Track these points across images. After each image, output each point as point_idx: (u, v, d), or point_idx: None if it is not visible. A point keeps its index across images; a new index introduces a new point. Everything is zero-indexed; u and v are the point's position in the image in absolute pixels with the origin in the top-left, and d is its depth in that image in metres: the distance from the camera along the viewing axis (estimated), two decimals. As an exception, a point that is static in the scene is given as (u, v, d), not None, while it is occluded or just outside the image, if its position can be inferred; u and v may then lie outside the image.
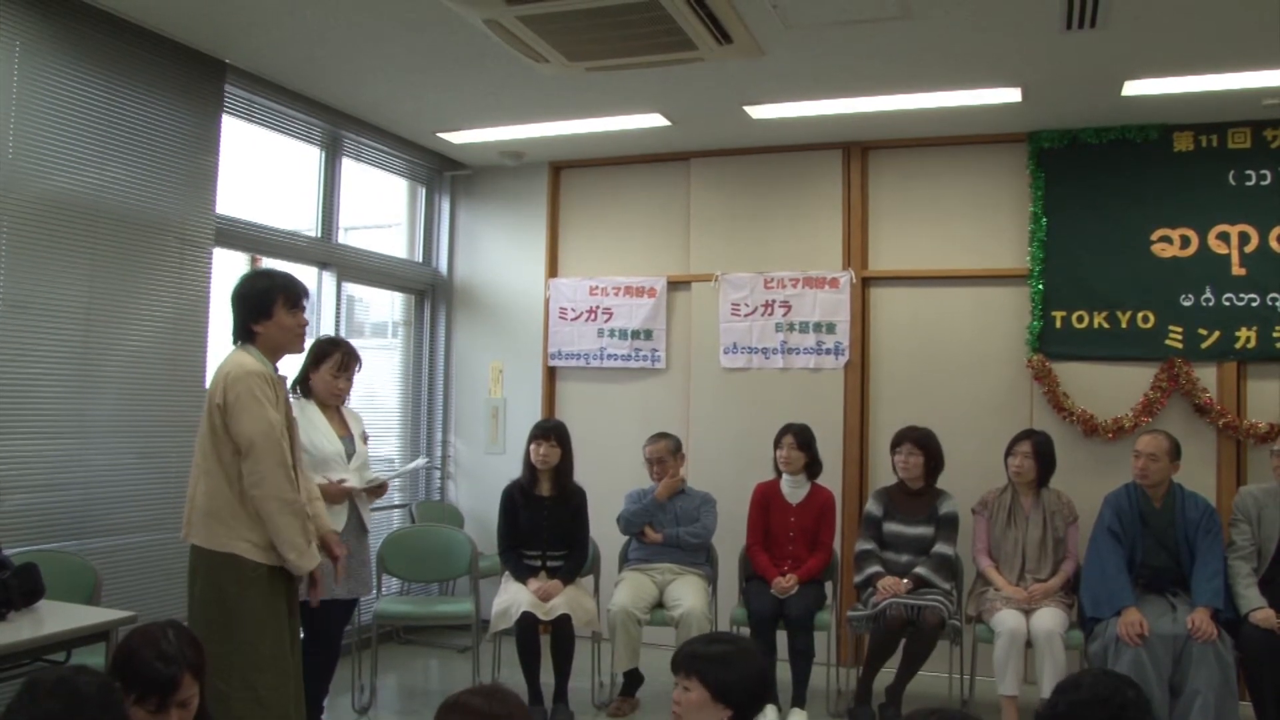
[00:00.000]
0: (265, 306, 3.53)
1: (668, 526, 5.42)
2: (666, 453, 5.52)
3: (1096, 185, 5.78)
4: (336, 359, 4.49)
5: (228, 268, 5.28)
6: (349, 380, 4.60)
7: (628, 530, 5.50)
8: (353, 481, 4.47)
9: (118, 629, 3.42)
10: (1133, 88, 5.08)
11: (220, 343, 4.87)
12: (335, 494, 4.35)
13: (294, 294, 3.60)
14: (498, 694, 2.12)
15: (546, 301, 6.88)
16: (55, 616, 3.41)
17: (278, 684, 3.43)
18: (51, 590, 3.55)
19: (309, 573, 3.56)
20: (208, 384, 3.60)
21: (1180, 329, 5.60)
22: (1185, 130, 5.64)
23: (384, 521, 6.58)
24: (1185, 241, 5.62)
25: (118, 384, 4.57)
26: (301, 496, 3.54)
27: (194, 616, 3.42)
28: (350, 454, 4.52)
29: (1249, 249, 5.51)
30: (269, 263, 5.68)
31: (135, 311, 4.65)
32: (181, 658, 2.44)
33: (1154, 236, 5.67)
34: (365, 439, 4.74)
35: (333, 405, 4.56)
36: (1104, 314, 5.74)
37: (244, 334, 3.56)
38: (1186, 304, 5.59)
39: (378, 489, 4.70)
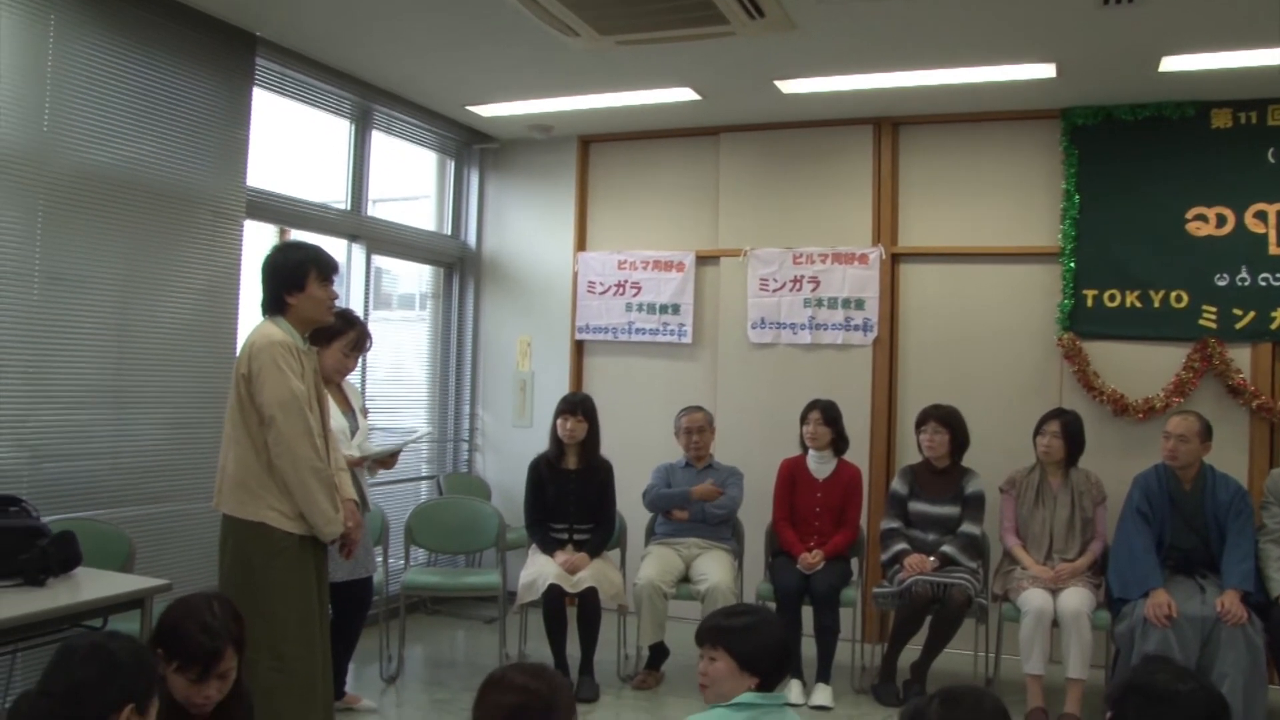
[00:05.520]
0: (298, 279, 3.55)
1: (694, 503, 5.42)
2: (705, 423, 5.53)
3: (1131, 162, 5.71)
4: (351, 337, 4.43)
5: (257, 240, 5.30)
6: (358, 359, 4.59)
7: (653, 508, 5.52)
8: (356, 456, 4.46)
9: (153, 596, 3.47)
10: (1170, 63, 5.01)
11: (251, 314, 4.92)
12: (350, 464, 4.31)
13: (326, 267, 3.62)
14: (541, 672, 2.15)
15: (574, 275, 6.88)
16: (92, 583, 3.46)
17: (304, 654, 3.47)
18: (87, 558, 3.60)
19: (342, 536, 3.60)
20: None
21: (1214, 309, 5.53)
22: (1223, 107, 5.55)
23: (411, 493, 6.64)
24: (1221, 220, 5.55)
25: (151, 355, 4.61)
26: (330, 465, 3.57)
27: (223, 585, 3.46)
28: (354, 430, 4.53)
29: (1287, 228, 5.44)
30: (298, 235, 5.71)
31: (168, 283, 4.69)
32: (225, 631, 2.49)
33: (1189, 215, 5.60)
34: (365, 413, 4.76)
35: (335, 381, 4.48)
36: (1136, 293, 5.68)
37: (275, 305, 3.57)
38: (1221, 283, 5.52)
39: (390, 458, 4.71)
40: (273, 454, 3.41)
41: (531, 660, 4.23)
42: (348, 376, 4.66)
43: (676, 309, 6.62)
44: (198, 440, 4.73)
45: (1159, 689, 2.06)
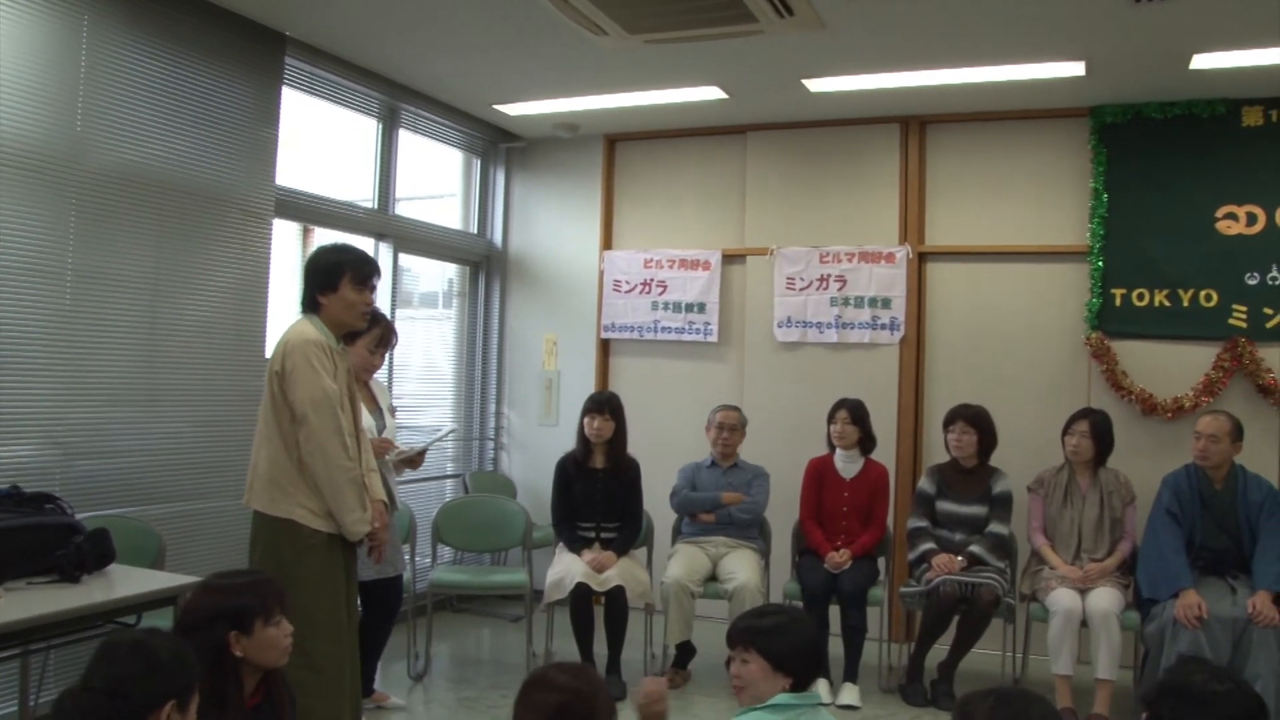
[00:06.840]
0: (332, 280, 3.58)
1: (720, 507, 5.42)
2: (738, 423, 5.53)
3: (1160, 160, 5.67)
4: (375, 334, 4.42)
5: (285, 239, 5.33)
6: (383, 357, 4.60)
7: (681, 510, 5.52)
8: (387, 456, 4.47)
9: (185, 594, 3.49)
10: (1201, 61, 4.97)
11: (280, 313, 4.96)
12: (378, 447, 4.29)
13: (362, 272, 3.63)
14: (582, 672, 2.18)
15: (600, 274, 6.88)
16: (125, 580, 3.49)
17: (332, 650, 3.49)
18: (119, 555, 3.62)
19: (369, 536, 3.62)
20: (268, 353, 3.64)
21: (1244, 308, 5.49)
22: (1255, 105, 5.50)
23: (437, 491, 6.67)
24: (1251, 219, 5.50)
25: (182, 353, 4.65)
26: (359, 465, 3.59)
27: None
28: (381, 429, 4.54)
29: (1319, 227, 5.39)
30: (324, 234, 5.73)
31: (199, 282, 4.73)
32: (250, 571, 2.87)
33: (1219, 213, 5.56)
34: (393, 412, 4.77)
35: (363, 380, 4.46)
36: (1165, 292, 5.64)
37: (310, 304, 3.61)
38: (1252, 282, 5.48)
39: (417, 457, 4.73)
40: (304, 452, 3.43)
41: (561, 659, 4.26)
42: (375, 375, 4.68)
43: (702, 308, 6.62)
44: (227, 438, 4.77)
45: (1196, 690, 2.04)
